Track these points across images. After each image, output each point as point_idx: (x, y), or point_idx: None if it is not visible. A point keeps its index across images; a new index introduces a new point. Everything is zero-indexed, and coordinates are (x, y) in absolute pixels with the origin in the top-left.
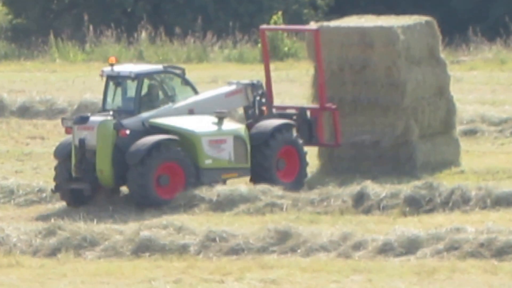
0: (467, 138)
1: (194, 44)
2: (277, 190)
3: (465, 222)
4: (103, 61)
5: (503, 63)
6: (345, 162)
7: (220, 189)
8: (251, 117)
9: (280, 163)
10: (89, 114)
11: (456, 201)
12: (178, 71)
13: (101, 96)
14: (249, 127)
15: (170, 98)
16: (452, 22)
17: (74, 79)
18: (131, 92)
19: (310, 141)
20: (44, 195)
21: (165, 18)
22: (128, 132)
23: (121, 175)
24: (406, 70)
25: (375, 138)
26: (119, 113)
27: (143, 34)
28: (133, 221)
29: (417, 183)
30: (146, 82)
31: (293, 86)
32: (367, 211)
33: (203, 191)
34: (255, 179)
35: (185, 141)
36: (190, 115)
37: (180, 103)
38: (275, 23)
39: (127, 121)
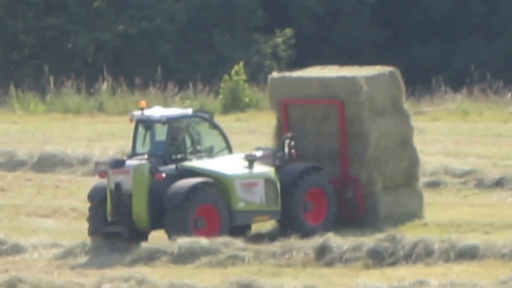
0: (430, 190)
1: (155, 95)
2: (239, 243)
3: (428, 275)
4: (63, 112)
5: (465, 114)
6: None
7: (181, 241)
8: (280, 159)
9: (307, 205)
10: (124, 158)
11: (419, 254)
12: (206, 116)
13: (62, 148)
14: (278, 169)
15: (198, 142)
16: (415, 72)
17: (34, 130)
18: (161, 136)
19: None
20: (5, 247)
21: (126, 69)
22: (164, 175)
23: (157, 218)
24: (369, 121)
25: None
26: (155, 157)
27: (104, 85)
28: (94, 274)
29: (380, 235)
30: (176, 126)
31: (255, 136)
32: (330, 264)
33: (164, 244)
34: (282, 221)
35: (219, 184)
36: (223, 160)
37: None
38: (236, 73)
39: (161, 165)
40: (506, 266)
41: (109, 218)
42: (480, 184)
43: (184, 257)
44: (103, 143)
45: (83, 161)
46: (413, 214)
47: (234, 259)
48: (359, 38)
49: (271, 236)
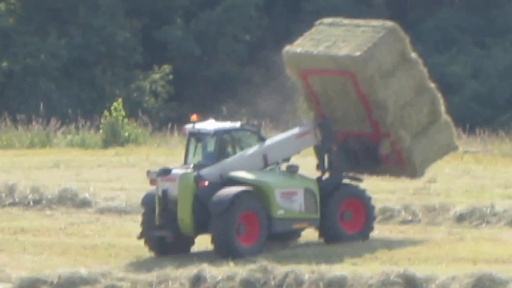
0: None
1: (37, 130)
2: (117, 273)
3: None
4: None
5: None
6: None
7: (61, 271)
8: (321, 169)
9: (345, 215)
10: (171, 167)
11: (290, 284)
12: (253, 129)
13: None
14: (318, 180)
15: None
16: (289, 109)
17: None
18: (211, 148)
19: (376, 166)
20: None
21: (9, 104)
22: (206, 183)
23: (201, 224)
24: (383, 88)
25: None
26: (200, 167)
27: None
28: None
29: (253, 266)
30: (224, 138)
31: (133, 171)
32: None
33: (44, 273)
34: (321, 229)
35: (260, 193)
36: (264, 170)
37: (253, 149)
38: (115, 109)
39: (206, 174)
40: None
41: (156, 223)
42: None
43: (63, 287)
44: None
45: None
46: (447, 145)
47: None
48: (235, 75)
49: (148, 267)
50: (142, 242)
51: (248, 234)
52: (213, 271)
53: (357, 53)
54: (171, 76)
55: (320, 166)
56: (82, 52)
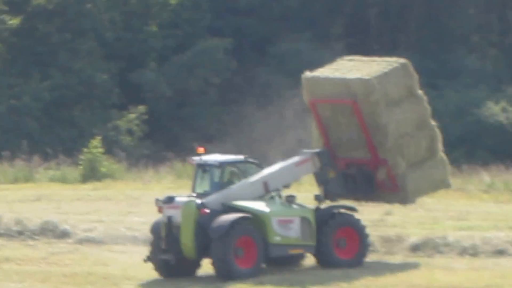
0: None
1: (21, 166)
2: None
3: None
4: None
5: None
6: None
7: None
8: (318, 199)
9: (340, 242)
10: (175, 195)
11: None
12: (255, 161)
13: None
14: (316, 209)
15: None
16: (255, 147)
17: None
18: (216, 178)
19: (372, 192)
20: None
21: None
22: (208, 211)
23: (203, 248)
24: (386, 114)
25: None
26: (205, 195)
27: None
28: None
29: None
30: (228, 169)
31: (110, 203)
32: None
33: None
34: (317, 255)
35: (258, 220)
36: (263, 199)
37: (254, 177)
38: (94, 147)
39: (208, 202)
40: None
41: (162, 247)
42: None
43: None
44: None
45: None
46: (440, 181)
47: None
48: (206, 115)
49: None
50: (118, 270)
51: (246, 258)
52: None
53: (367, 77)
54: (145, 116)
55: (317, 197)
56: (63, 93)
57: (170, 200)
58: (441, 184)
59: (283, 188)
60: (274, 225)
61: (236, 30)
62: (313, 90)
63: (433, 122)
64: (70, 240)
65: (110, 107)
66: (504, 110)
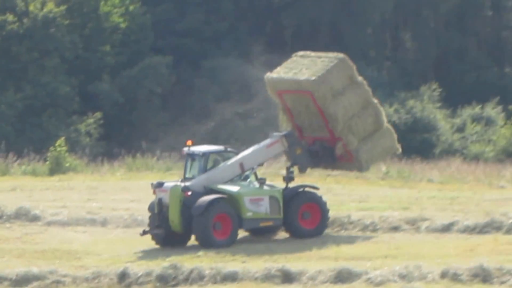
0: None
1: None
2: (61, 271)
3: None
4: None
5: None
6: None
7: (18, 270)
8: (286, 180)
9: (305, 215)
10: (164, 181)
11: (194, 278)
12: (234, 150)
13: None
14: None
15: None
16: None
17: None
18: (201, 165)
19: (333, 163)
20: None
21: None
22: (190, 193)
23: (187, 224)
24: (334, 104)
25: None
26: (188, 180)
27: None
28: None
29: (166, 264)
30: (211, 157)
31: (73, 192)
32: (128, 286)
33: (5, 272)
34: (285, 227)
35: (232, 199)
36: (238, 182)
37: (231, 160)
38: (59, 146)
39: (192, 185)
40: (260, 287)
41: (155, 223)
42: None
43: (20, 282)
44: None
45: None
46: (389, 148)
47: (57, 283)
48: (151, 119)
49: (86, 266)
50: (80, 246)
51: (223, 231)
52: (135, 269)
53: (313, 78)
54: (101, 121)
55: (285, 178)
56: (33, 102)
57: (160, 185)
58: (390, 150)
59: (257, 167)
60: (246, 203)
61: (175, 49)
62: (275, 86)
63: (375, 100)
64: (40, 223)
65: (72, 113)
66: (396, 111)
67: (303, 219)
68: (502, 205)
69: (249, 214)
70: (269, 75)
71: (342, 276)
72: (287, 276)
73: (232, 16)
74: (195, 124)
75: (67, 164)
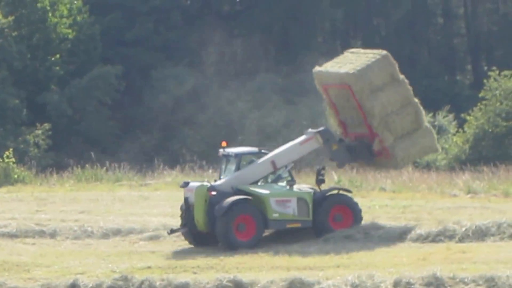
0: (153, 242)
1: None
2: (10, 283)
3: None
4: None
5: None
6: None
7: None
8: (317, 183)
9: (337, 217)
10: (190, 181)
11: None
12: (267, 152)
13: None
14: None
15: None
16: (142, 159)
17: None
18: (234, 166)
19: (371, 158)
20: None
21: None
22: (214, 193)
23: (212, 224)
24: (371, 99)
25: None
26: (216, 180)
27: None
28: None
29: (116, 275)
30: (245, 158)
31: (21, 204)
32: None
33: None
34: (315, 228)
35: (258, 200)
36: (265, 184)
37: (262, 158)
38: (7, 157)
39: (218, 185)
40: None
41: (183, 222)
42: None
43: None
44: None
45: None
46: (428, 148)
47: None
48: (100, 130)
49: (34, 278)
50: (29, 258)
51: (247, 232)
52: (85, 280)
53: (352, 71)
54: (50, 132)
55: (317, 181)
56: None
57: (186, 184)
58: (429, 150)
59: (291, 164)
60: (272, 204)
61: (125, 59)
62: (320, 80)
63: (416, 100)
64: None
65: (20, 125)
66: None
67: (334, 221)
68: (455, 213)
69: (275, 215)
70: (317, 68)
71: (295, 286)
72: (238, 287)
73: (182, 25)
74: (145, 134)
75: (16, 176)
